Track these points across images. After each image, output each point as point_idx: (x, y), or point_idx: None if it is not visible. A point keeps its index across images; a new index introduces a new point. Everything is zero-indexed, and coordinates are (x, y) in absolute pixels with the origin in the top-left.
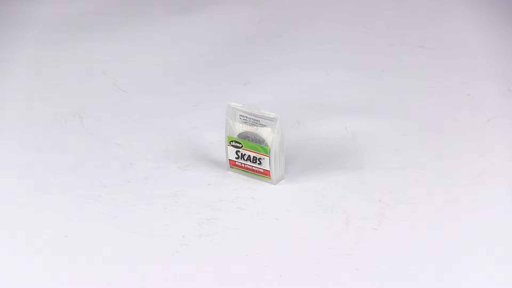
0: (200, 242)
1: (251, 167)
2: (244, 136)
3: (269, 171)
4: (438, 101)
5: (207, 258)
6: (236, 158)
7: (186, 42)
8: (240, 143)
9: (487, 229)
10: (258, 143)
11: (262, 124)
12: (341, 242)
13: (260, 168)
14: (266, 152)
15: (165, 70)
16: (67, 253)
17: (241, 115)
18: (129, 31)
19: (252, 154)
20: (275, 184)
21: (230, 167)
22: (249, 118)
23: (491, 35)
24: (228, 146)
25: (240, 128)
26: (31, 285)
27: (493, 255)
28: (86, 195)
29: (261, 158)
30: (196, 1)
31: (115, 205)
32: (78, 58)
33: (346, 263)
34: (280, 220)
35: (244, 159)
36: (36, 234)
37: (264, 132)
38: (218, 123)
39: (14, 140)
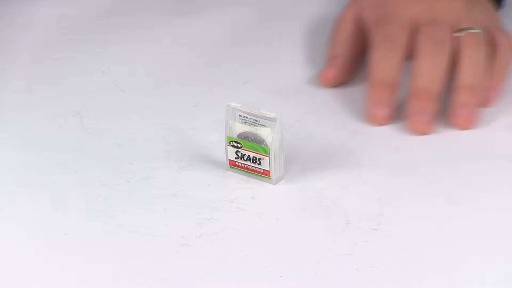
0: (200, 242)
1: (251, 167)
2: (244, 136)
3: (269, 171)
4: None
5: (207, 258)
6: (236, 158)
7: (186, 42)
8: (240, 143)
9: (488, 229)
10: (258, 143)
11: (262, 124)
12: (341, 242)
13: (260, 168)
14: (266, 152)
15: (165, 70)
16: (67, 251)
17: (241, 115)
18: (129, 32)
19: (252, 154)
20: (275, 184)
21: (230, 167)
22: (249, 118)
23: None
24: (228, 146)
25: (240, 128)
26: (30, 283)
27: (493, 255)
28: (86, 194)
29: (260, 158)
30: (195, 2)
31: (115, 204)
32: (77, 58)
33: (346, 263)
34: (280, 220)
35: (244, 159)
36: (36, 232)
37: (264, 132)
38: (218, 123)
39: (14, 139)
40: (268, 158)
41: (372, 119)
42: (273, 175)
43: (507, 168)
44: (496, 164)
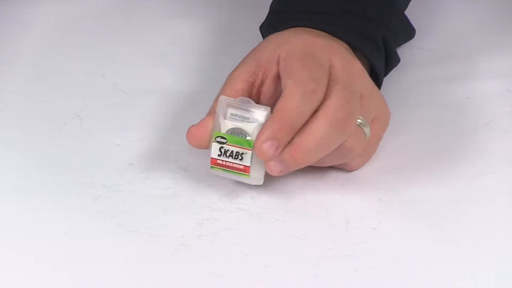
0: (199, 242)
1: (231, 164)
2: (231, 132)
3: (248, 167)
4: (438, 103)
5: (207, 258)
6: (218, 155)
7: (185, 42)
8: (225, 138)
9: (487, 229)
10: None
11: (250, 121)
12: (341, 242)
13: (240, 165)
14: (250, 145)
15: (165, 70)
16: (67, 251)
17: (232, 114)
18: (128, 32)
19: (235, 149)
20: (253, 184)
21: (211, 167)
22: (239, 116)
23: (490, 35)
24: (213, 143)
25: (229, 125)
26: (30, 283)
27: (493, 256)
28: (86, 194)
29: (243, 153)
30: (195, 2)
31: (114, 204)
32: (77, 60)
33: (346, 264)
34: (280, 220)
35: (226, 156)
36: (36, 231)
37: (250, 128)
38: None
39: (14, 140)
40: (251, 152)
41: (262, 155)
42: (252, 171)
43: (507, 168)
44: (496, 164)
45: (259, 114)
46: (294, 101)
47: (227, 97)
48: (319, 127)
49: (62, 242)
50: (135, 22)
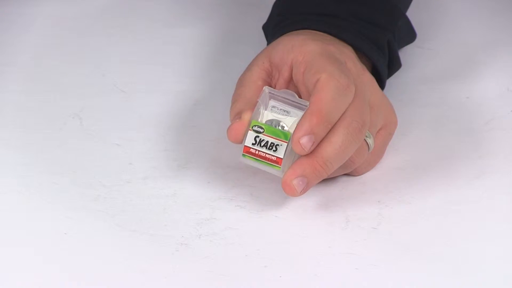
0: (199, 241)
1: (264, 154)
2: (270, 123)
3: (281, 159)
4: (437, 102)
5: (207, 258)
6: (252, 144)
7: (185, 42)
8: (262, 128)
9: (487, 229)
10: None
11: (291, 115)
12: (340, 241)
13: (273, 156)
14: (286, 138)
15: (165, 69)
16: (67, 251)
17: (274, 106)
18: (129, 33)
19: (270, 140)
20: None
21: (243, 155)
22: (280, 109)
23: (491, 34)
24: (249, 131)
25: (269, 116)
26: (30, 283)
27: (493, 256)
28: (86, 194)
29: (278, 145)
30: (195, 2)
31: (114, 204)
32: (77, 60)
33: (346, 262)
34: (280, 218)
35: (260, 146)
36: (36, 231)
37: (289, 121)
38: (217, 122)
39: (14, 140)
40: (286, 144)
41: (299, 150)
42: (284, 164)
43: (507, 168)
44: (496, 164)
45: (302, 109)
46: (329, 94)
47: (270, 88)
48: (337, 136)
49: (62, 242)
50: (135, 22)
